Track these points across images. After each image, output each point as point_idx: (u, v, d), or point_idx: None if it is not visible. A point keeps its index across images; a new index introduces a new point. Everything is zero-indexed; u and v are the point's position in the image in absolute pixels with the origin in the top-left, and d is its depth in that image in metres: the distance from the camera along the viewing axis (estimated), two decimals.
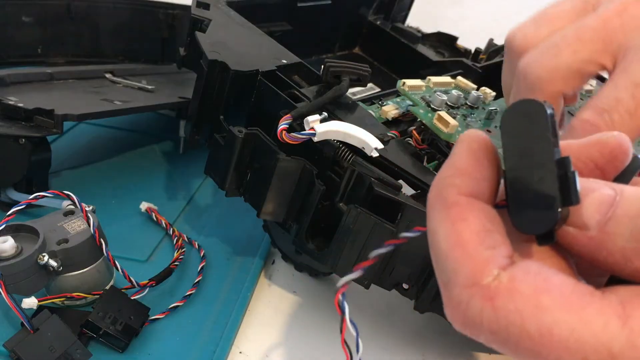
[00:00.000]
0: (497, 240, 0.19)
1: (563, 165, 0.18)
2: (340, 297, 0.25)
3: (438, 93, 0.40)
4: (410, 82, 0.41)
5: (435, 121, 0.37)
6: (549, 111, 0.18)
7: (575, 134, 0.28)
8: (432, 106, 0.40)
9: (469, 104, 0.42)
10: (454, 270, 0.19)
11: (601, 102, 0.28)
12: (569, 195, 0.18)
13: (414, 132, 0.38)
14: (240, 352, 0.38)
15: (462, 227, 0.19)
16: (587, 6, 0.31)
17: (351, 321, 0.25)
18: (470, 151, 0.20)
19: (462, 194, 0.20)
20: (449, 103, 0.41)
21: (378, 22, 0.65)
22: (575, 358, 0.17)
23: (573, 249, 0.19)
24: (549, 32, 0.31)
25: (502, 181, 0.20)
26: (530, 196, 0.18)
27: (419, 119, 0.39)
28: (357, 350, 0.26)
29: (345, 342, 0.26)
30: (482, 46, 0.63)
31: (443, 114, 0.37)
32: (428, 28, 0.67)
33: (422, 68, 0.59)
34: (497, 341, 0.19)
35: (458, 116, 0.40)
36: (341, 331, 0.25)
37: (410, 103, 0.42)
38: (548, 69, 0.29)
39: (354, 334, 0.25)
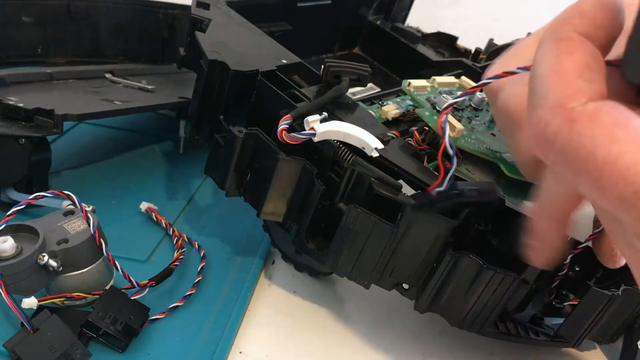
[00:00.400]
0: (595, 78, 0.20)
1: None
2: (444, 117, 0.27)
3: (444, 95, 0.40)
4: (415, 82, 0.41)
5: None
6: None
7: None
8: (438, 108, 0.39)
9: (473, 105, 0.42)
10: (545, 93, 0.20)
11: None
12: None
13: (415, 132, 0.38)
14: (240, 352, 0.38)
15: (566, 59, 0.20)
16: None
17: (450, 144, 0.28)
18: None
19: (577, 32, 0.21)
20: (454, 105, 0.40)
21: (378, 22, 0.65)
22: (629, 189, 0.19)
23: None
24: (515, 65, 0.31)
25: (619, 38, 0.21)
26: None
27: (422, 120, 0.39)
28: (452, 167, 0.29)
29: (443, 159, 0.30)
30: (482, 46, 0.63)
31: (449, 117, 0.37)
32: (428, 28, 0.67)
33: (422, 68, 0.59)
34: (563, 161, 0.20)
35: (463, 119, 0.39)
36: (439, 149, 0.29)
37: (411, 103, 0.42)
38: (522, 101, 0.28)
39: (451, 152, 0.29)
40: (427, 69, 0.59)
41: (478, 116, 0.41)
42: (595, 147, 0.19)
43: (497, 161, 0.37)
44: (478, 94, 0.42)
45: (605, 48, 0.21)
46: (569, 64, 0.20)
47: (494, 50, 0.61)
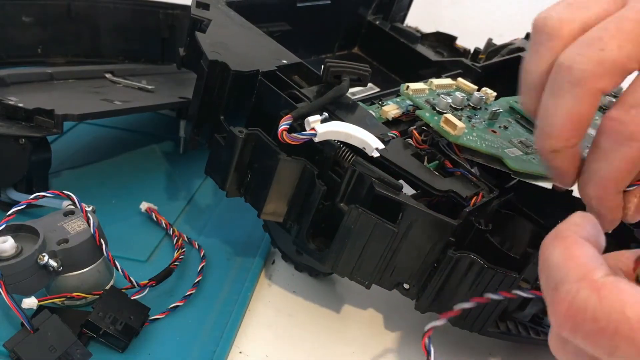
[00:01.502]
0: (603, 263, 0.23)
1: None
2: (426, 340, 0.29)
3: (442, 96, 0.40)
4: (413, 85, 0.41)
5: (442, 124, 0.37)
6: None
7: (605, 135, 0.27)
8: (437, 109, 0.40)
9: (472, 105, 0.42)
10: (565, 274, 0.23)
11: (629, 98, 0.27)
12: None
13: (415, 132, 0.38)
14: (240, 352, 0.38)
15: (574, 248, 0.24)
16: None
17: None
18: (586, 217, 0.26)
19: (577, 235, 0.24)
20: (453, 105, 0.41)
21: (377, 22, 0.65)
22: None
23: None
24: (585, 17, 0.29)
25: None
26: None
27: (422, 121, 0.39)
28: None
29: None
30: (481, 46, 0.63)
31: (449, 116, 0.37)
32: (427, 28, 0.67)
33: (421, 68, 0.59)
34: (595, 331, 0.22)
35: (463, 118, 0.40)
36: None
37: (411, 103, 0.42)
38: (594, 63, 0.27)
39: None
40: (426, 69, 0.59)
41: (477, 115, 0.41)
42: (626, 308, 0.21)
43: (500, 156, 0.37)
44: (476, 94, 0.42)
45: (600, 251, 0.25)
46: (580, 252, 0.23)
47: (493, 50, 0.61)
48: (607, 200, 0.29)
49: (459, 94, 0.41)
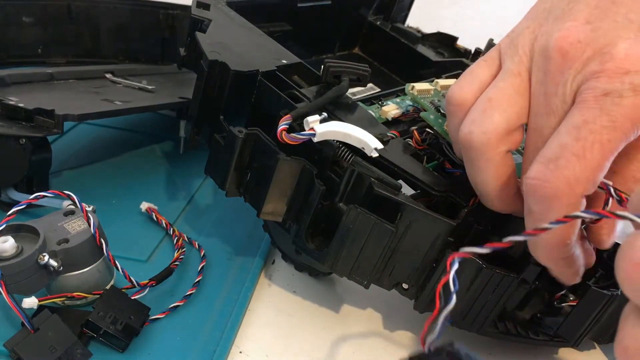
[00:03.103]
0: None
1: None
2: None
3: None
4: (418, 85, 0.41)
5: (446, 127, 0.37)
6: None
7: (533, 198, 0.28)
8: (442, 111, 0.39)
9: None
10: None
11: (546, 152, 0.28)
12: None
13: (415, 132, 0.38)
14: (241, 352, 0.38)
15: None
16: (494, 61, 0.32)
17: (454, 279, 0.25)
18: None
19: None
20: None
21: (378, 22, 0.65)
22: None
23: None
24: (475, 87, 0.32)
25: None
26: None
27: (424, 121, 0.39)
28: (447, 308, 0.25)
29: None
30: (482, 46, 0.63)
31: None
32: (428, 28, 0.67)
33: (422, 68, 0.59)
34: None
35: None
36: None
37: (411, 103, 0.42)
38: (489, 134, 0.30)
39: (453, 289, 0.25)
40: (427, 69, 0.59)
41: None
42: None
43: None
44: None
45: None
46: None
47: None
48: (562, 260, 0.30)
49: None
